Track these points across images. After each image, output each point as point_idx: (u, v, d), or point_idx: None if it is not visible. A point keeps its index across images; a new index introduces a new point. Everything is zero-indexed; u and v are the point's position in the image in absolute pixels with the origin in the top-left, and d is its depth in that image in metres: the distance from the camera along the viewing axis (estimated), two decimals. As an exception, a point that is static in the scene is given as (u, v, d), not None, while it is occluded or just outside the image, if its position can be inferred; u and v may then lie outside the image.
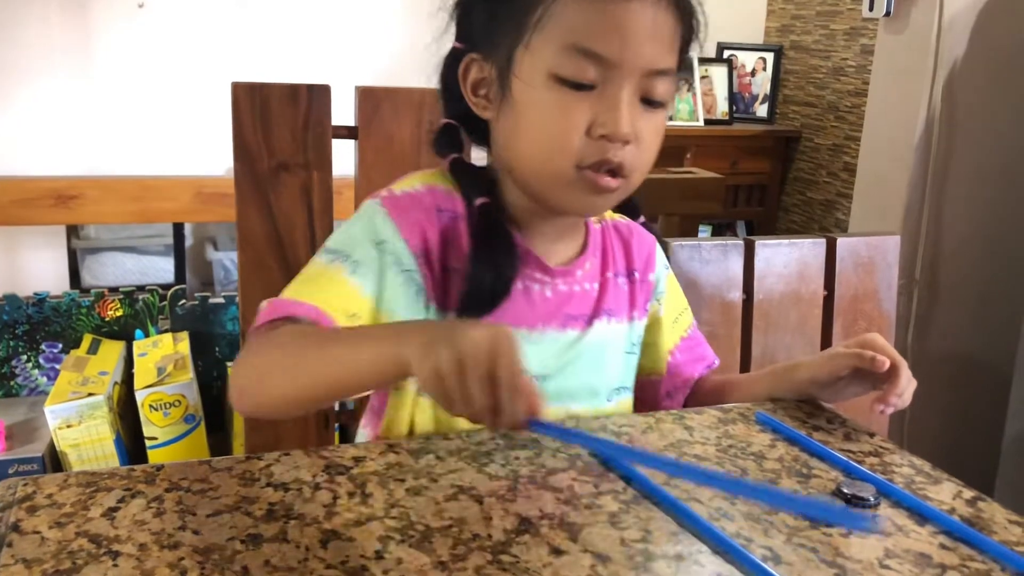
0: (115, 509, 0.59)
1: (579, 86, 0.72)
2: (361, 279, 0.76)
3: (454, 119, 0.83)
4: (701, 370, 0.95)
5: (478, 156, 0.89)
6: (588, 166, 0.73)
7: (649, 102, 0.74)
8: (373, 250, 0.76)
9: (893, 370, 0.78)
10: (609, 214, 0.91)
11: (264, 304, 0.75)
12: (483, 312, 0.77)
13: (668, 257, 1.00)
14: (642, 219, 0.94)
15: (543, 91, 0.73)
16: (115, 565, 0.53)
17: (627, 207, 0.92)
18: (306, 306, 0.73)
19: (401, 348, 0.61)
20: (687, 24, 0.76)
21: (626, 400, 0.89)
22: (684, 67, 0.79)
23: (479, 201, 0.78)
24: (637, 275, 0.90)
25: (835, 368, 0.82)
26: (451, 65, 0.81)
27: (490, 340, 0.57)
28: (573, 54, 0.71)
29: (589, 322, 0.84)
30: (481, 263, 0.76)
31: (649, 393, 0.94)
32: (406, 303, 0.77)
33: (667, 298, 0.93)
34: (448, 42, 0.82)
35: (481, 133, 0.83)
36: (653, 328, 0.92)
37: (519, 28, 0.73)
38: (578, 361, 0.83)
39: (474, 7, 0.80)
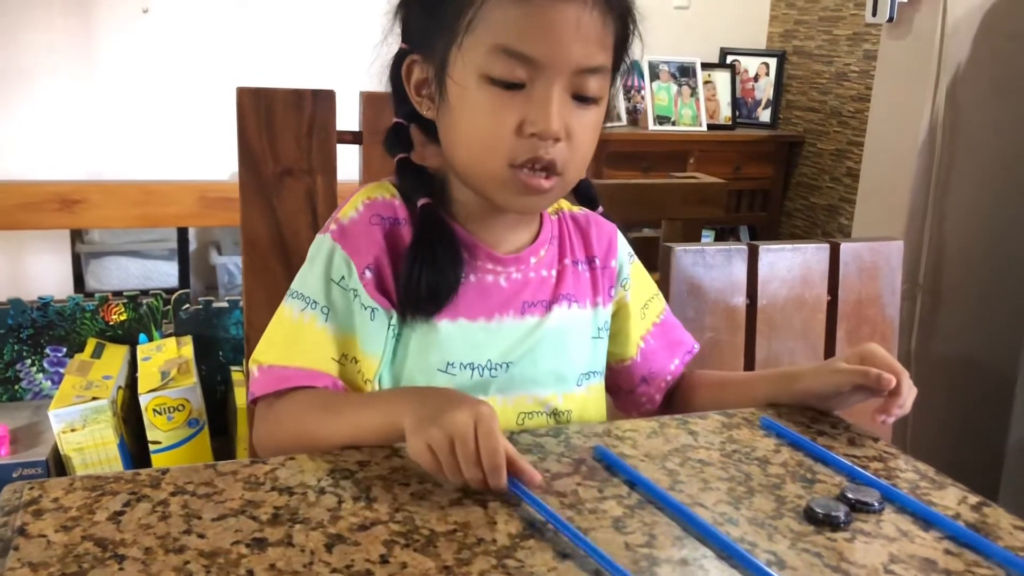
0: (121, 513, 0.60)
1: (509, 85, 0.74)
2: (334, 322, 0.79)
3: (404, 119, 0.85)
4: (682, 356, 0.95)
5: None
6: (520, 164, 0.75)
7: (582, 99, 0.76)
8: (336, 290, 0.79)
9: (896, 384, 0.78)
10: (567, 205, 0.92)
11: (255, 371, 0.79)
12: (429, 310, 0.79)
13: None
14: (600, 209, 0.94)
15: (475, 91, 0.75)
16: (121, 569, 0.54)
17: (585, 199, 0.93)
18: (298, 373, 0.77)
19: (397, 419, 0.68)
20: (620, 21, 0.78)
21: (596, 384, 0.90)
22: (625, 65, 0.81)
23: (421, 202, 0.80)
24: (598, 262, 0.90)
25: (838, 383, 0.82)
26: (397, 65, 0.83)
27: (475, 423, 0.63)
28: (502, 55, 0.73)
29: (548, 308, 0.85)
30: (423, 263, 0.77)
31: (624, 378, 0.94)
32: (372, 328, 0.79)
33: (633, 285, 0.94)
34: (395, 44, 0.84)
35: (434, 131, 0.84)
36: (621, 315, 0.93)
37: (452, 30, 0.75)
38: (540, 347, 0.84)
39: (413, 9, 0.82)
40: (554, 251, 0.88)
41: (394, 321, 0.80)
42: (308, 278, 0.80)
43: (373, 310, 0.79)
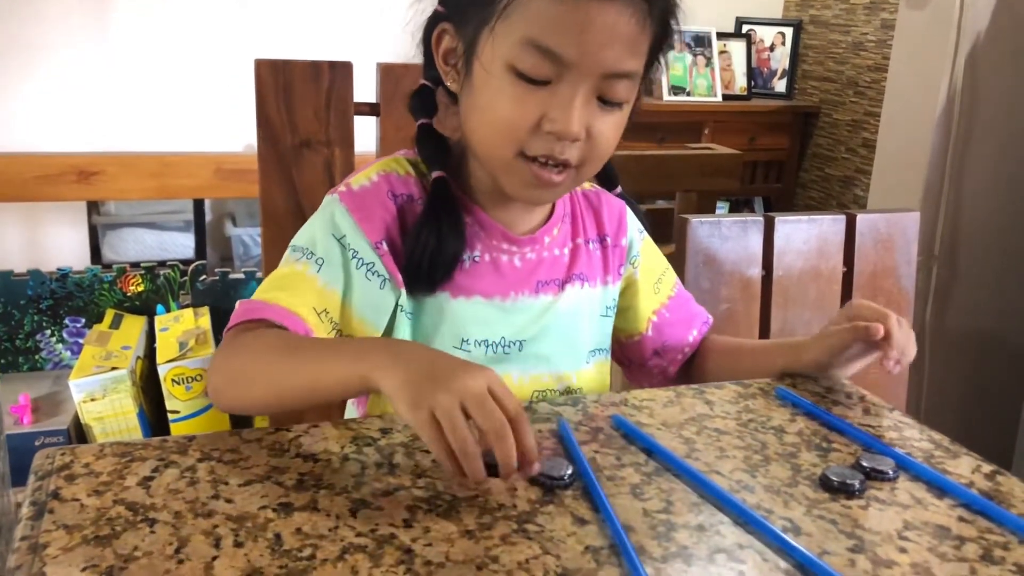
0: (150, 478, 0.61)
1: (534, 81, 0.72)
2: (326, 276, 0.77)
3: (432, 82, 0.84)
4: (699, 327, 0.96)
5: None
6: (533, 157, 0.74)
7: (607, 102, 0.74)
8: (335, 246, 0.78)
9: (885, 329, 0.78)
10: None
11: (238, 305, 0.77)
12: (428, 284, 0.79)
13: (648, 225, 0.99)
14: (619, 190, 0.94)
15: (499, 79, 0.73)
16: (152, 532, 0.55)
17: (604, 178, 0.93)
18: (275, 308, 0.74)
19: (368, 372, 0.62)
20: (660, 24, 0.75)
21: (603, 360, 0.91)
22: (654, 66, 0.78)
23: (435, 174, 0.80)
24: (609, 240, 0.91)
25: (833, 346, 0.82)
26: (431, 28, 0.81)
27: (488, 385, 0.58)
28: (531, 49, 0.71)
29: (562, 287, 0.86)
30: (427, 237, 0.77)
31: (635, 352, 0.95)
32: (374, 297, 0.79)
33: (643, 262, 0.94)
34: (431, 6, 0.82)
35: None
36: (629, 292, 0.93)
37: (487, 11, 0.73)
38: (553, 325, 0.85)
39: None
40: (567, 229, 0.88)
41: (403, 300, 0.80)
42: (307, 231, 0.80)
43: (384, 280, 0.79)
